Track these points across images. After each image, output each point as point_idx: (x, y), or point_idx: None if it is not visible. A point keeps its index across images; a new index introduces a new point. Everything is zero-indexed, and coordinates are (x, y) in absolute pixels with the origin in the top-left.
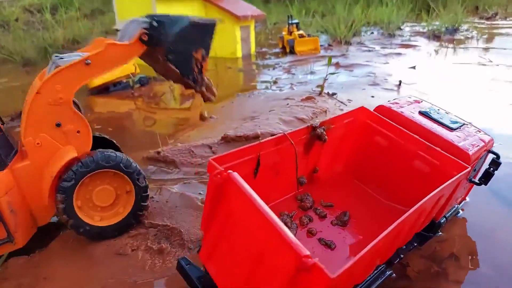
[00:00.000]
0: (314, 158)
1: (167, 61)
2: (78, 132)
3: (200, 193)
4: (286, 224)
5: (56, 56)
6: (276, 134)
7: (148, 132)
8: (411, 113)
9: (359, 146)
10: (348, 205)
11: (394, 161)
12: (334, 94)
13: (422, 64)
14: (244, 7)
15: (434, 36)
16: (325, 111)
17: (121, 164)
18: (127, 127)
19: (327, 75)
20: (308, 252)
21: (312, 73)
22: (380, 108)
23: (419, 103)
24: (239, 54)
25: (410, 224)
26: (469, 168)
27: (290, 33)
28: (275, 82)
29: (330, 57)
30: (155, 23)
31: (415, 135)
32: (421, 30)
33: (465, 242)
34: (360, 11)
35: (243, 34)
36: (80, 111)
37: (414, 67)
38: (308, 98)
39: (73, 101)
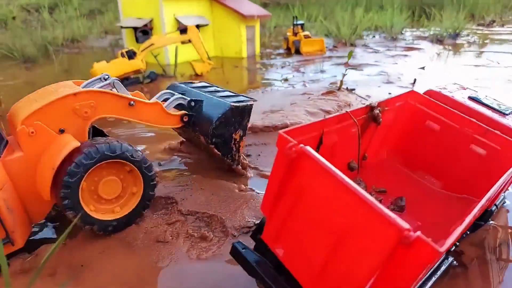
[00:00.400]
0: (366, 142)
1: (209, 144)
2: None
3: (235, 181)
4: None
5: (116, 79)
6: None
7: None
8: (462, 98)
9: (408, 131)
10: (400, 191)
11: (447, 146)
12: (353, 89)
13: (430, 65)
14: (250, 6)
15: (437, 40)
16: (349, 105)
17: (127, 153)
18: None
19: (346, 69)
20: (409, 226)
21: (322, 71)
22: (430, 93)
23: (465, 89)
24: (245, 54)
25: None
26: None
27: (295, 34)
28: (286, 80)
29: (351, 52)
30: (191, 109)
31: (471, 118)
32: (422, 34)
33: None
34: (362, 15)
35: (249, 34)
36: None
37: (423, 68)
38: (329, 92)
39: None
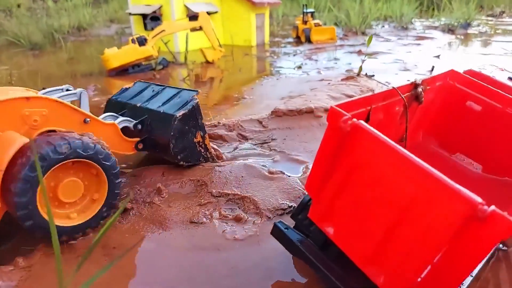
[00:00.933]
0: (404, 123)
1: (177, 162)
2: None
3: (264, 165)
4: None
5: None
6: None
7: None
8: (503, 78)
9: (446, 112)
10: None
11: (488, 128)
12: (372, 75)
13: (445, 54)
14: None
15: (448, 30)
16: (372, 90)
17: (99, 156)
18: None
19: (365, 55)
20: (481, 200)
21: (336, 59)
22: (470, 72)
23: (502, 70)
24: (254, 42)
25: None
26: None
27: (305, 22)
28: (299, 67)
29: (371, 36)
30: (140, 132)
31: None
32: (432, 24)
33: None
34: (371, 5)
35: (258, 22)
36: None
37: (438, 56)
38: (349, 78)
39: None
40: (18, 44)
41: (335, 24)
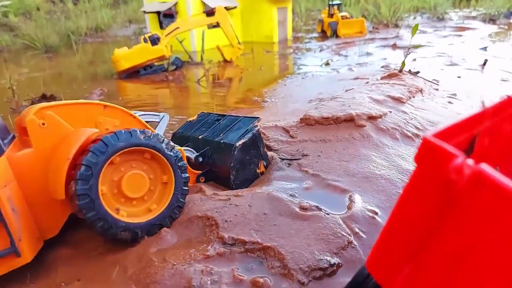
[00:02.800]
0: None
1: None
2: None
3: (293, 195)
4: None
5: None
6: (375, 115)
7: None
8: None
9: None
10: None
11: None
12: (417, 72)
13: (492, 46)
14: None
15: (490, 19)
16: (421, 91)
17: (160, 144)
18: (167, 110)
19: (409, 49)
20: None
21: (368, 54)
22: None
23: None
24: (276, 38)
25: None
26: None
27: (331, 15)
28: (327, 64)
29: (416, 25)
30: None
31: None
32: (468, 15)
33: None
34: None
35: (280, 16)
36: None
37: (485, 48)
38: (392, 75)
39: None
40: (34, 47)
41: (363, 16)
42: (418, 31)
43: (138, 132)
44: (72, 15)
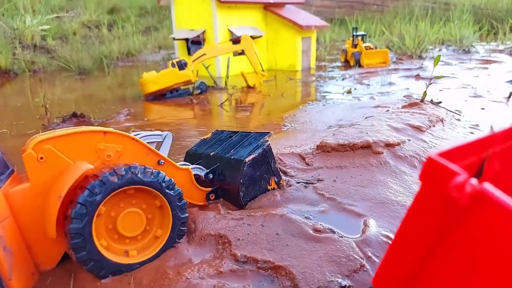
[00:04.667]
0: None
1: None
2: None
3: (308, 217)
4: None
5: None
6: (393, 143)
7: None
8: None
9: None
10: None
11: None
12: (439, 102)
13: None
14: (306, 17)
15: None
16: (442, 120)
17: (162, 183)
18: (190, 131)
19: (431, 79)
20: None
21: (391, 83)
22: None
23: None
24: (299, 67)
25: None
26: None
27: (355, 46)
28: (349, 92)
29: (438, 56)
30: (211, 181)
31: None
32: (496, 48)
33: None
34: (427, 27)
35: (304, 45)
36: None
37: (511, 81)
38: (413, 104)
39: None
40: (68, 69)
41: (387, 47)
42: (442, 63)
43: (138, 168)
44: (106, 40)
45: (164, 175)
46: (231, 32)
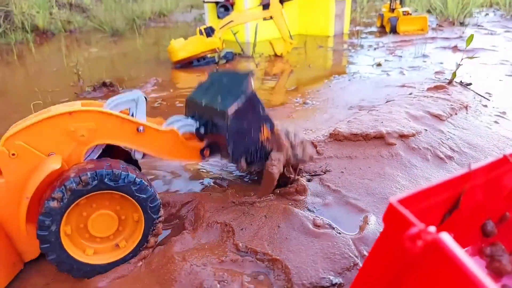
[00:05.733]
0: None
1: (244, 171)
2: None
3: (311, 210)
4: None
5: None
6: (407, 134)
7: None
8: None
9: None
10: None
11: None
12: (469, 84)
13: None
14: None
15: None
16: (466, 107)
17: (106, 181)
18: None
19: (462, 59)
20: None
21: (424, 56)
22: None
23: None
24: (331, 32)
25: None
26: None
27: (392, 10)
28: (379, 65)
29: (471, 35)
30: (202, 131)
31: None
32: None
33: None
34: None
35: (338, 9)
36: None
37: None
38: (438, 88)
39: None
40: (102, 31)
41: (428, 11)
42: (485, 31)
43: (105, 173)
44: None
45: (134, 177)
46: None
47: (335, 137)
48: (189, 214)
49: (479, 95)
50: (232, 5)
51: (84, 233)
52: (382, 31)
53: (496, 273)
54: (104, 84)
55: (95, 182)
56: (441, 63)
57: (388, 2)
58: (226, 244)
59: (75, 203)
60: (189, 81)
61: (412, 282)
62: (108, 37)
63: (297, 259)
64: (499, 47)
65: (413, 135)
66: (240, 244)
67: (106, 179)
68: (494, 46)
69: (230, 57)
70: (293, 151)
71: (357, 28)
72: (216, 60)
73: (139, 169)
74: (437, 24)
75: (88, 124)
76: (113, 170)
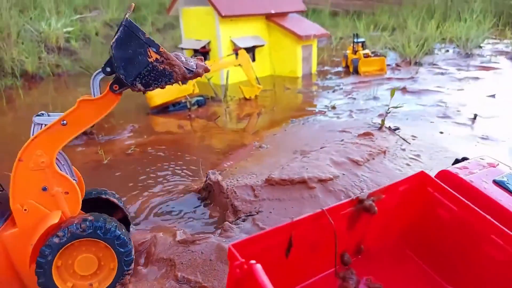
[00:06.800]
0: (361, 231)
1: (146, 91)
2: (66, 193)
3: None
4: None
5: (38, 116)
6: (325, 179)
7: (193, 161)
8: (483, 182)
9: (418, 216)
10: (403, 286)
11: (461, 241)
12: (396, 129)
13: (504, 92)
14: (308, 26)
15: None
16: (384, 152)
17: (98, 232)
18: (178, 151)
19: (389, 108)
20: None
21: (375, 98)
22: (444, 174)
23: (494, 167)
24: (299, 73)
25: None
26: None
27: (354, 52)
28: (333, 108)
29: (393, 89)
30: (108, 70)
31: (485, 215)
32: (504, 49)
33: None
34: (435, 27)
35: (305, 53)
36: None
37: (493, 96)
38: (366, 134)
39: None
40: (88, 74)
41: (391, 49)
42: (437, 71)
43: (99, 226)
44: None
45: (119, 233)
46: (233, 43)
47: (269, 182)
48: (142, 253)
49: (403, 139)
50: (208, 52)
51: (70, 268)
52: (347, 71)
53: None
54: (84, 133)
55: (90, 231)
56: (387, 105)
57: (352, 45)
58: (169, 276)
59: (71, 243)
60: (164, 126)
61: None
62: None
63: (220, 285)
64: (443, 87)
65: (331, 179)
66: (179, 275)
67: (98, 231)
68: (439, 86)
69: (202, 102)
70: (187, 66)
71: (326, 68)
72: (188, 106)
73: (128, 225)
74: (396, 64)
75: (36, 152)
76: (106, 224)
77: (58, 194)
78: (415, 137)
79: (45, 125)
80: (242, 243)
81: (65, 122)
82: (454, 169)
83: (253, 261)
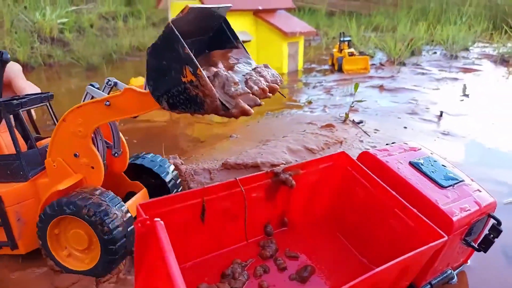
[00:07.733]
0: (283, 204)
1: (170, 111)
2: (92, 167)
3: None
4: (234, 274)
5: (90, 85)
6: (278, 164)
7: (164, 147)
8: (399, 163)
9: (339, 193)
10: (319, 257)
11: (372, 216)
12: (360, 122)
13: (479, 93)
14: (295, 23)
15: (503, 60)
16: (341, 142)
17: (83, 210)
18: (152, 139)
19: (353, 102)
20: None
21: (351, 95)
22: (364, 155)
23: (415, 151)
24: (285, 70)
25: None
26: (445, 238)
27: (340, 50)
28: (309, 103)
29: (357, 84)
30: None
31: (392, 192)
32: (491, 52)
33: None
34: (425, 28)
35: (291, 50)
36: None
37: (467, 95)
38: (328, 126)
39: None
40: (79, 65)
41: (380, 49)
42: (419, 71)
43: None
44: (120, 33)
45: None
46: None
47: (225, 166)
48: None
49: (365, 132)
50: None
51: (65, 240)
52: (332, 69)
53: (262, 258)
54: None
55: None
56: (365, 100)
57: (338, 44)
58: None
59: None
60: (145, 115)
61: (146, 251)
62: (84, 71)
63: None
64: (420, 86)
65: (283, 164)
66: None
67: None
68: (415, 86)
69: None
70: (224, 99)
71: (313, 65)
72: None
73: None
74: (380, 63)
75: (77, 120)
76: (70, 199)
77: (85, 165)
78: (377, 130)
79: (93, 97)
80: (150, 203)
81: (108, 103)
82: (374, 151)
83: (157, 219)
